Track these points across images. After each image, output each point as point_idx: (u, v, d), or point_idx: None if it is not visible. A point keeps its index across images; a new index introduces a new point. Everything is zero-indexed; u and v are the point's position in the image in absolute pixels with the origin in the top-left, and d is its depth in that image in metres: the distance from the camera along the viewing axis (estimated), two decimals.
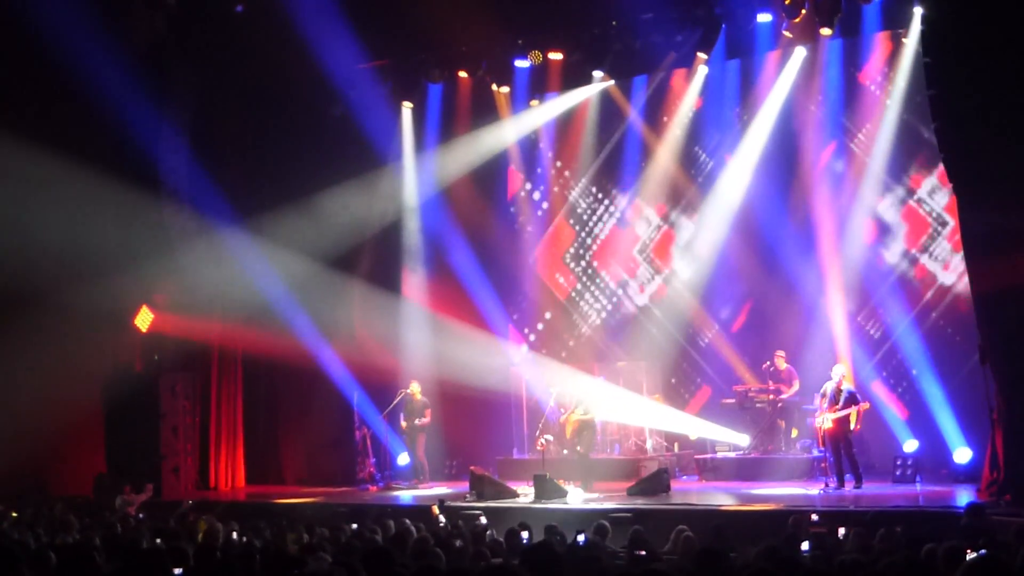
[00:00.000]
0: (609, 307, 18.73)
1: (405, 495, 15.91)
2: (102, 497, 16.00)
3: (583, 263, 19.04)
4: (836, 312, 16.36)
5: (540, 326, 19.23)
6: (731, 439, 16.55)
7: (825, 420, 13.91)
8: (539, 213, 19.38)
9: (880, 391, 15.88)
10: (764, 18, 15.25)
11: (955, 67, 12.17)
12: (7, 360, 16.94)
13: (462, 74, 17.38)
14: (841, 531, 9.91)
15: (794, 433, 16.06)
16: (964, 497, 12.36)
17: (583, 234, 19.05)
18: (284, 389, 18.70)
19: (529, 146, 19.11)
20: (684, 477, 16.53)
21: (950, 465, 14.41)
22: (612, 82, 17.70)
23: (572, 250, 19.15)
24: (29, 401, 17.40)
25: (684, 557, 8.56)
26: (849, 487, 13.85)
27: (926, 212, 16.11)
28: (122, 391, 17.98)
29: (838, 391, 13.94)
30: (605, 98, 18.14)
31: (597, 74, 17.27)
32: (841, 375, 14.13)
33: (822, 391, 14.12)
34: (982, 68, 11.90)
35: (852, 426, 13.94)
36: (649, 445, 17.23)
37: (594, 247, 18.99)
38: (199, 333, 18.19)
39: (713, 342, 17.81)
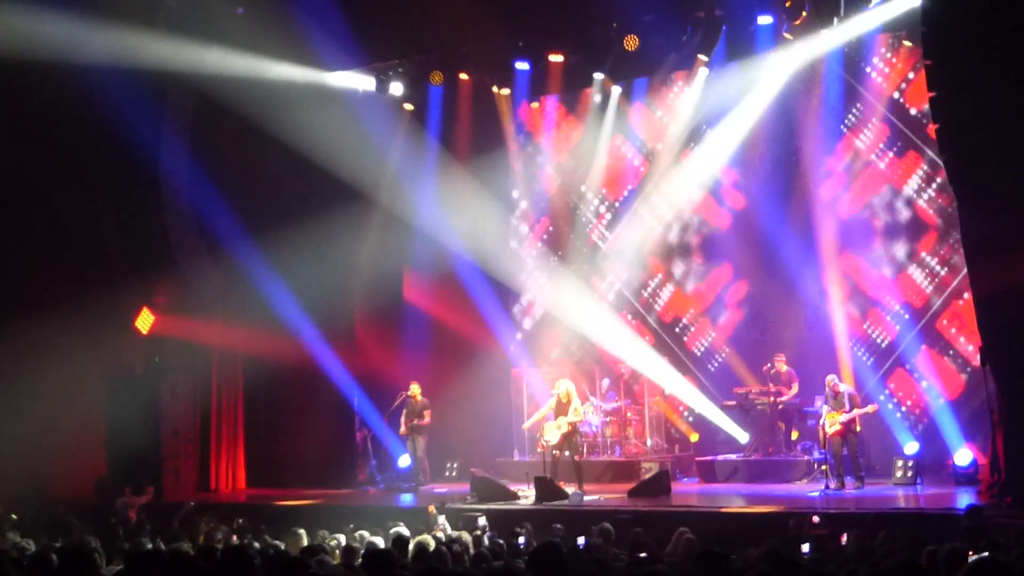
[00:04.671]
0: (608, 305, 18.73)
1: (406, 497, 15.91)
2: (103, 499, 15.98)
3: (579, 261, 19.05)
4: (837, 314, 16.37)
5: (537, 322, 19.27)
6: (731, 430, 16.70)
7: (834, 422, 13.96)
8: (539, 214, 19.42)
9: (880, 393, 15.87)
10: (765, 20, 15.25)
11: (956, 69, 12.16)
12: (8, 362, 16.95)
13: (463, 76, 17.39)
14: (844, 538, 9.88)
15: (794, 435, 16.08)
16: (965, 499, 12.36)
17: (583, 234, 19.07)
18: (284, 391, 18.69)
19: (529, 146, 19.13)
20: (685, 479, 16.53)
21: (951, 467, 14.41)
22: (617, 89, 17.74)
23: (570, 250, 19.17)
24: (30, 403, 17.41)
25: (685, 559, 8.55)
26: (849, 488, 13.89)
27: (928, 212, 16.08)
28: (123, 393, 17.97)
29: (838, 395, 14.07)
30: (604, 98, 18.13)
31: (598, 76, 17.32)
32: (833, 382, 14.27)
33: (826, 399, 14.32)
34: (983, 70, 11.89)
35: (857, 428, 14.09)
36: (649, 446, 17.28)
37: (591, 246, 19.01)
38: (200, 335, 18.18)
39: (713, 344, 17.82)
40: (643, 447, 17.26)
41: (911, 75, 15.87)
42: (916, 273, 16.10)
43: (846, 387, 14.40)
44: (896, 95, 16.13)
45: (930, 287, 15.98)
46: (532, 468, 15.75)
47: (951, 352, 15.69)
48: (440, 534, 11.00)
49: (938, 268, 15.88)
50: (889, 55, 16.12)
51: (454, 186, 18.19)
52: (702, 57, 16.34)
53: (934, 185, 15.85)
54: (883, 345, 16.27)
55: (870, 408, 14.34)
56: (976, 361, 13.58)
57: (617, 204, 18.77)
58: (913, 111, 15.96)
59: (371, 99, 17.71)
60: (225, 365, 18.58)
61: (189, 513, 13.53)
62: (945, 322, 15.78)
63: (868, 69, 16.28)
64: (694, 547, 8.92)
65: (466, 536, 10.53)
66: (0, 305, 16.88)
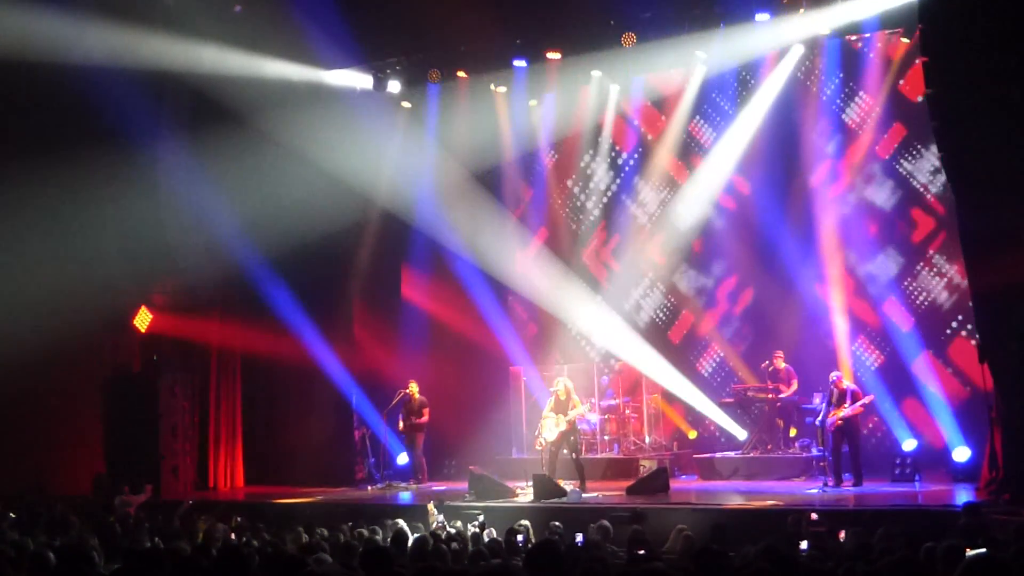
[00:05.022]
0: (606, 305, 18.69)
1: (404, 494, 15.92)
2: (101, 497, 15.99)
3: (578, 260, 19.02)
4: (835, 311, 16.35)
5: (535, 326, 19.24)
6: (729, 427, 16.69)
7: (836, 418, 13.99)
8: (536, 210, 19.39)
9: (879, 390, 15.85)
10: (762, 17, 15.26)
11: (953, 66, 12.15)
12: (7, 360, 16.94)
13: (461, 74, 17.37)
14: (842, 535, 9.89)
15: (792, 432, 16.08)
16: (963, 496, 12.37)
17: (579, 232, 19.05)
18: (283, 389, 18.69)
19: (527, 144, 19.09)
20: (683, 476, 16.52)
21: (949, 464, 14.42)
22: (615, 87, 17.72)
23: (568, 248, 19.14)
24: (28, 401, 17.41)
25: (683, 556, 8.56)
26: (847, 485, 13.90)
27: (931, 208, 16.04)
28: (121, 391, 17.96)
29: (841, 392, 14.09)
30: (602, 96, 18.10)
31: (596, 73, 17.32)
32: (837, 377, 14.27)
33: (829, 396, 14.31)
34: (980, 67, 11.88)
35: (860, 426, 14.16)
36: (648, 443, 17.27)
37: (590, 246, 18.99)
38: (198, 333, 18.18)
39: (711, 341, 17.80)
40: (642, 444, 17.25)
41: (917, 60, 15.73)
42: (919, 270, 16.05)
43: (849, 384, 14.43)
44: (898, 83, 16.02)
45: (935, 284, 15.93)
46: (531, 466, 15.76)
47: (952, 352, 15.65)
48: (439, 532, 11.01)
49: (944, 265, 15.84)
50: (890, 38, 15.97)
51: (452, 183, 18.18)
52: (700, 54, 16.35)
53: (939, 181, 15.73)
54: (883, 343, 16.25)
55: (866, 399, 14.35)
56: (974, 357, 13.53)
57: (618, 204, 18.72)
58: (919, 98, 15.85)
59: (369, 97, 17.69)
60: (223, 363, 18.58)
61: (188, 511, 13.54)
62: (954, 323, 15.71)
63: (871, 54, 16.18)
64: (692, 544, 8.93)
65: (464, 534, 10.55)
66: None
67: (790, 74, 16.54)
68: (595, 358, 18.41)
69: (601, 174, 18.82)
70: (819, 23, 15.30)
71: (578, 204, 19.10)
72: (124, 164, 16.86)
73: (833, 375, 14.40)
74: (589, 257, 19.02)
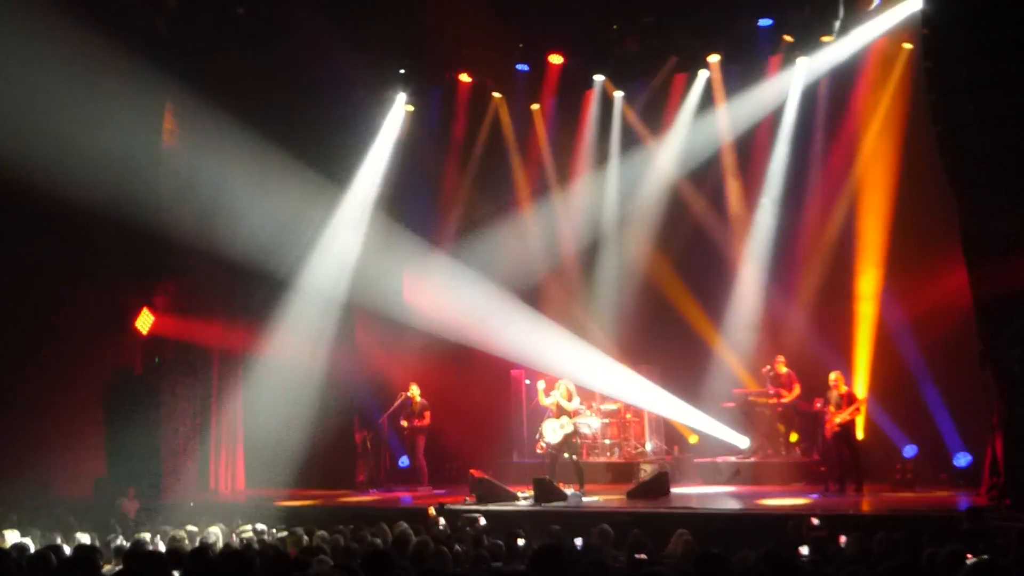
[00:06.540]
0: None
1: (405, 498, 15.92)
2: (102, 499, 15.99)
3: (579, 264, 19.00)
4: (836, 315, 16.33)
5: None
6: (731, 434, 16.63)
7: (833, 423, 14.01)
8: (538, 214, 19.39)
9: (879, 394, 15.84)
10: (765, 20, 15.28)
11: (955, 72, 12.17)
12: (8, 362, 16.96)
13: (463, 77, 17.39)
14: (843, 541, 9.89)
15: (793, 437, 16.07)
16: (964, 501, 12.38)
17: (581, 237, 19.03)
18: (284, 391, 18.67)
19: (530, 149, 19.10)
20: (684, 480, 16.50)
21: (950, 469, 14.42)
22: (619, 93, 17.71)
23: (569, 254, 19.12)
24: (30, 403, 17.41)
25: (684, 560, 8.55)
26: (848, 490, 13.89)
27: (930, 215, 16.00)
28: (123, 393, 17.97)
29: (840, 396, 14.10)
30: (605, 102, 18.09)
31: (598, 78, 17.32)
32: (836, 379, 14.25)
33: (827, 399, 14.30)
34: (983, 73, 11.90)
35: (859, 431, 14.16)
36: (649, 448, 17.25)
37: (591, 251, 18.97)
38: (200, 335, 18.19)
39: (712, 345, 17.77)
40: (642, 448, 17.24)
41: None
42: (920, 274, 16.01)
43: (845, 388, 14.43)
44: (901, 88, 16.01)
45: (936, 289, 15.88)
46: (531, 469, 15.76)
47: (953, 356, 15.63)
48: (440, 535, 11.01)
49: (946, 270, 15.75)
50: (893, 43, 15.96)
51: (454, 187, 18.20)
52: (710, 59, 16.37)
53: (943, 186, 15.62)
54: (884, 347, 16.21)
55: (861, 400, 14.35)
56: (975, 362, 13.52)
57: (620, 208, 18.70)
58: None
59: (373, 100, 17.71)
60: (225, 365, 18.59)
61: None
62: (955, 328, 15.66)
63: (874, 59, 16.17)
64: (693, 549, 8.92)
65: (465, 537, 10.54)
66: (0, 304, 16.89)
67: (794, 81, 16.54)
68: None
69: (604, 179, 18.78)
70: (821, 30, 15.33)
71: (579, 208, 19.05)
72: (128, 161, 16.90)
73: (832, 377, 14.36)
74: (590, 262, 18.98)
